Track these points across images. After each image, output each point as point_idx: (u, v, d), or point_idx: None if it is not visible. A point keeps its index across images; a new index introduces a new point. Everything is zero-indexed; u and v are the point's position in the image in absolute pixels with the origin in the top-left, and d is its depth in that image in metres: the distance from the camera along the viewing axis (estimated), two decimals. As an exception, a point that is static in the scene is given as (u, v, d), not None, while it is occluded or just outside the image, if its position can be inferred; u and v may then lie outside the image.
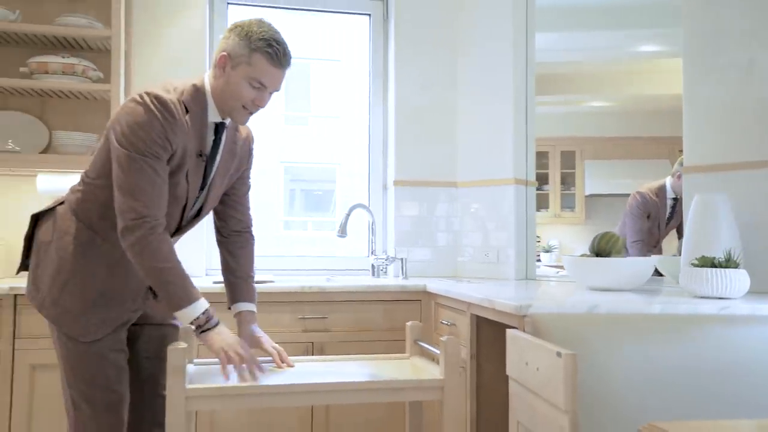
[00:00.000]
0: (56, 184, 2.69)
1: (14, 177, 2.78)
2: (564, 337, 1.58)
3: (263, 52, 1.59)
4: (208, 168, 1.71)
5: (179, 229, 1.75)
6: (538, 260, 6.55)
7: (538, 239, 6.87)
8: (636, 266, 2.10)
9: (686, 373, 1.59)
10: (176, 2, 2.93)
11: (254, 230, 1.95)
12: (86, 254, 1.64)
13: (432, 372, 1.72)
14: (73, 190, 1.72)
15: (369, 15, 3.33)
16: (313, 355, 2.47)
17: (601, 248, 2.21)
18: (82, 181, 1.70)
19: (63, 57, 2.58)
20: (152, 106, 1.55)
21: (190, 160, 1.64)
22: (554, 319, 1.62)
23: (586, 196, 6.70)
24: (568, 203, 6.82)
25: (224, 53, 1.61)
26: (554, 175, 6.78)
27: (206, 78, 1.67)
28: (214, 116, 1.67)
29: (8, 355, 2.28)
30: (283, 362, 1.76)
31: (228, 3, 3.12)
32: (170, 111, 1.56)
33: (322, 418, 2.49)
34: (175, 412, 1.51)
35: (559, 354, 1.34)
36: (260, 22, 1.63)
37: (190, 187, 1.67)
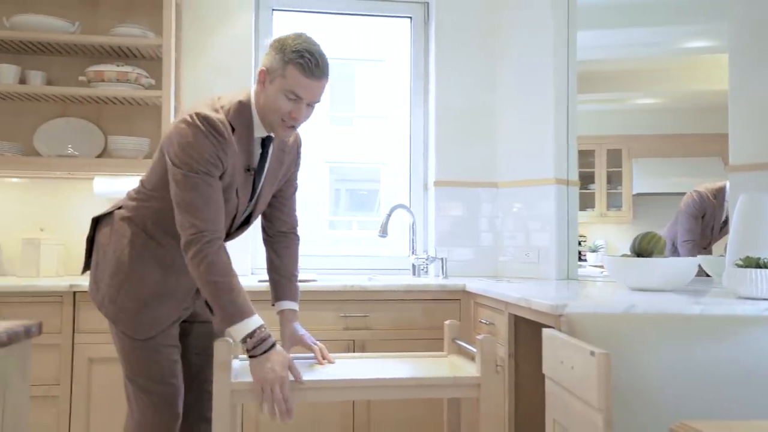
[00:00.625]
0: (111, 186, 2.83)
1: (73, 180, 2.93)
2: (600, 337, 1.59)
3: (295, 64, 1.59)
4: (256, 180, 1.76)
5: (228, 236, 1.81)
6: (584, 260, 6.46)
7: (584, 239, 6.78)
8: (678, 266, 2.08)
9: (726, 374, 1.57)
10: (223, 11, 3.03)
11: (299, 231, 2.00)
12: (141, 257, 1.72)
13: (469, 370, 1.75)
14: (130, 197, 1.81)
15: (410, 18, 3.37)
16: (354, 352, 2.52)
17: (643, 248, 2.19)
18: (140, 190, 1.78)
19: (118, 65, 2.71)
20: (202, 127, 1.59)
21: (239, 176, 1.69)
22: (590, 319, 1.63)
23: (634, 195, 6.57)
24: (614, 202, 6.70)
25: (263, 68, 1.65)
26: (600, 173, 6.67)
27: (252, 93, 1.70)
28: (259, 131, 1.71)
29: (68, 349, 2.41)
30: (324, 359, 1.82)
31: (273, 9, 3.21)
32: (219, 131, 1.61)
33: (363, 414, 2.54)
34: (220, 405, 1.58)
35: (592, 353, 1.35)
36: (297, 36, 1.64)
37: (240, 201, 1.73)
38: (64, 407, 2.40)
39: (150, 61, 2.91)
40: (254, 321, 1.59)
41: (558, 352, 1.57)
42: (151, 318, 1.72)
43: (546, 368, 1.66)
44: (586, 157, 6.67)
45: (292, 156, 1.88)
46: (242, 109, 1.67)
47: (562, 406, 1.56)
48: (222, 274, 1.58)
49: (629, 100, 6.37)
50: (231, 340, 1.62)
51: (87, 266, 1.84)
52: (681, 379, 1.56)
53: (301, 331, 1.87)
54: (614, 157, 6.67)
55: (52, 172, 2.78)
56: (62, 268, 2.83)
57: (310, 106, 1.68)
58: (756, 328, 1.63)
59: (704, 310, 1.66)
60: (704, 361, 1.58)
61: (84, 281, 2.45)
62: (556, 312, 1.68)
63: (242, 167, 1.69)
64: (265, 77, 1.65)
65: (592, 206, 6.67)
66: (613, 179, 6.73)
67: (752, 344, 1.60)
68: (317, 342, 1.85)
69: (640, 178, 6.49)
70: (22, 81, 2.73)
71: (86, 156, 2.84)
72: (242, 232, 1.87)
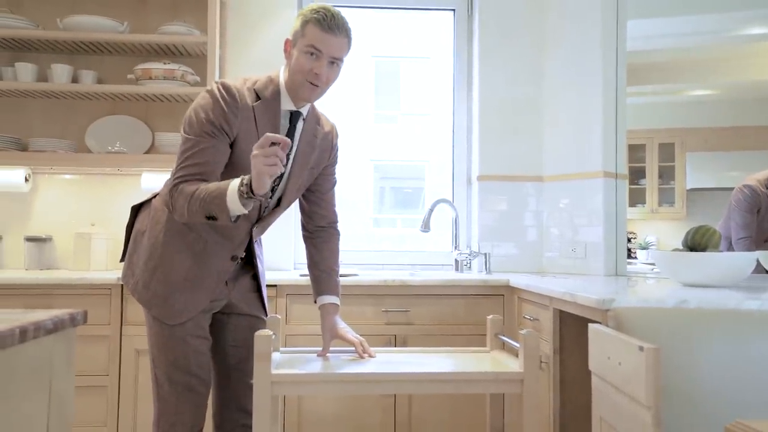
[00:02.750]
0: (158, 181, 2.89)
1: (121, 176, 3.01)
2: (649, 333, 1.52)
3: (313, 20, 1.66)
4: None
5: (260, 219, 1.82)
6: (634, 257, 6.27)
7: (633, 236, 6.58)
8: (734, 261, 1.98)
9: (787, 374, 1.49)
10: (266, 7, 3.06)
11: (340, 226, 2.00)
12: (174, 243, 1.75)
13: (511, 365, 1.71)
14: (166, 184, 1.84)
15: (453, 10, 3.33)
16: (395, 347, 2.50)
17: (696, 242, 2.10)
18: (171, 175, 1.82)
19: (165, 63, 2.76)
20: (216, 92, 1.67)
21: None
22: (639, 314, 1.56)
23: (688, 190, 6.33)
24: (666, 198, 6.47)
25: (287, 39, 1.72)
26: (651, 168, 6.46)
27: (281, 70, 1.76)
28: (287, 104, 1.74)
29: (116, 340, 2.48)
30: (365, 353, 1.81)
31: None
32: (232, 95, 1.67)
33: (404, 410, 2.52)
34: (261, 396, 1.59)
35: (641, 348, 1.30)
36: (317, 4, 1.72)
37: None
38: (112, 397, 2.46)
39: (195, 58, 2.96)
40: (235, 182, 1.55)
41: (605, 348, 1.52)
42: (182, 303, 1.73)
43: (592, 364, 1.60)
44: (636, 151, 6.47)
45: (326, 144, 1.88)
46: (270, 82, 1.74)
47: (609, 403, 1.50)
48: (192, 191, 1.59)
49: (682, 92, 6.14)
50: (273, 334, 1.63)
51: (125, 254, 1.87)
52: (736, 378, 1.48)
53: (342, 324, 1.86)
54: (666, 152, 6.45)
55: (102, 168, 2.85)
56: (111, 261, 2.91)
57: (333, 64, 1.70)
58: (820, 325, 1.54)
59: (762, 306, 1.58)
60: (762, 360, 1.49)
61: (132, 274, 2.50)
62: (602, 306, 1.63)
63: None
64: (289, 46, 1.72)
65: (643, 202, 6.46)
66: (666, 174, 6.50)
67: (815, 342, 1.51)
68: (358, 336, 1.84)
69: (694, 172, 6.26)
70: (75, 80, 2.81)
71: (134, 152, 2.90)
72: (275, 217, 1.86)
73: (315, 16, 1.66)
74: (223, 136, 1.66)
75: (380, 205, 14.03)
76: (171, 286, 1.73)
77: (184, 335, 1.73)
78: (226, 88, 1.68)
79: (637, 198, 6.50)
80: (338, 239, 1.99)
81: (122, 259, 1.87)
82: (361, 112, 12.69)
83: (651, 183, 6.46)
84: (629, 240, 6.47)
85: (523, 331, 1.65)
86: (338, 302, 1.90)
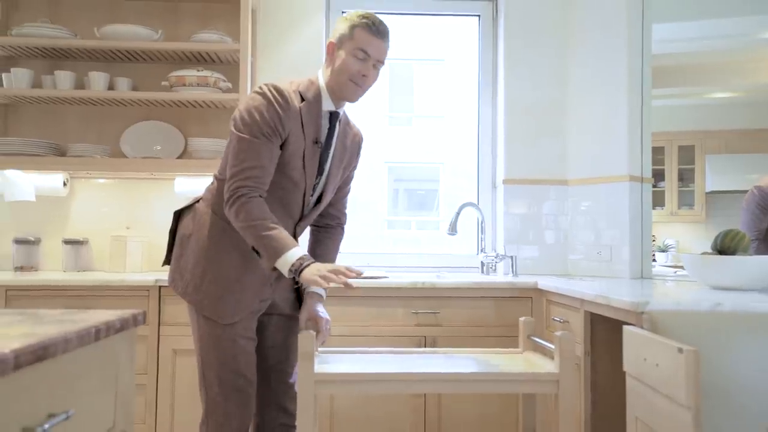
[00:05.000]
0: (191, 185, 2.97)
1: (155, 180, 3.09)
2: (684, 335, 1.56)
3: (362, 25, 1.76)
4: (323, 155, 1.84)
5: (303, 217, 1.88)
6: (654, 260, 6.28)
7: (653, 238, 6.58)
8: (764, 265, 2.01)
9: (821, 375, 1.52)
10: (295, 15, 3.12)
11: (348, 227, 2.08)
12: (221, 244, 1.81)
13: (547, 366, 1.75)
14: (208, 188, 1.91)
15: (478, 16, 3.37)
16: (425, 347, 2.55)
17: (726, 246, 2.13)
18: (215, 178, 1.89)
19: (198, 70, 2.84)
20: (269, 94, 1.74)
21: (308, 147, 1.79)
22: (674, 317, 1.60)
23: (707, 193, 6.33)
24: (686, 200, 6.47)
25: (331, 41, 1.80)
26: (671, 171, 6.46)
27: (319, 73, 1.84)
28: (328, 105, 1.82)
29: (154, 341, 2.55)
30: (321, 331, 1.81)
31: (342, 12, 3.28)
32: (285, 97, 1.75)
33: (434, 411, 2.57)
34: (305, 394, 1.64)
35: (680, 350, 1.34)
36: (359, 9, 1.82)
37: (307, 172, 1.80)
38: (150, 395, 2.53)
39: (227, 65, 3.03)
40: (297, 251, 1.66)
41: (640, 350, 1.55)
42: (234, 303, 1.79)
43: (627, 366, 1.64)
44: (656, 154, 6.44)
45: (354, 147, 1.97)
46: (311, 84, 1.82)
47: (646, 404, 1.54)
48: (259, 218, 1.68)
49: (701, 94, 6.14)
50: (314, 332, 1.68)
51: (168, 259, 1.92)
52: (772, 380, 1.52)
53: (320, 308, 1.87)
54: (686, 154, 6.44)
55: (137, 172, 2.93)
56: (146, 263, 2.98)
57: (376, 67, 1.80)
58: None
59: (796, 309, 1.61)
60: (797, 362, 1.53)
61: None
62: (637, 309, 1.66)
63: (311, 138, 1.79)
64: (333, 48, 1.80)
65: (662, 205, 6.46)
66: (685, 177, 6.50)
67: None
68: (327, 316, 1.85)
69: (714, 175, 6.25)
70: (111, 87, 2.89)
71: (168, 157, 2.98)
72: (315, 213, 1.93)
73: (364, 21, 1.76)
74: (277, 138, 1.73)
75: (394, 207, 14.07)
76: (223, 287, 1.79)
77: (234, 336, 1.79)
78: (278, 90, 1.75)
79: (656, 200, 6.49)
80: (341, 238, 2.06)
81: (165, 263, 1.93)
82: (375, 115, 12.75)
83: (670, 185, 6.46)
84: (648, 242, 6.47)
85: (558, 333, 1.69)
86: (324, 295, 1.91)
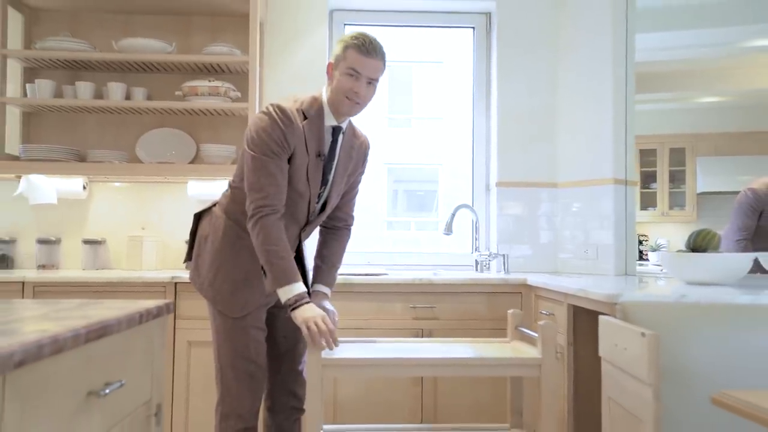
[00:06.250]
0: (203, 189, 3.16)
1: (168, 184, 3.28)
2: (653, 324, 1.75)
3: (353, 45, 1.91)
4: (327, 167, 2.02)
5: (308, 222, 2.07)
6: (646, 259, 6.46)
7: (645, 238, 6.77)
8: (732, 261, 2.19)
9: (772, 359, 1.71)
10: (300, 27, 3.31)
11: (354, 228, 2.24)
12: (234, 245, 2.01)
13: (530, 352, 1.95)
14: (224, 194, 2.10)
15: (473, 28, 3.57)
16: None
17: (697, 244, 2.31)
18: (229, 185, 2.08)
19: (209, 81, 3.03)
20: (274, 114, 1.92)
21: (311, 161, 1.97)
22: (643, 307, 1.79)
23: (698, 194, 6.52)
24: (677, 201, 6.66)
25: (330, 62, 1.99)
26: (663, 172, 6.65)
27: (323, 90, 2.02)
28: (330, 120, 2.00)
29: (170, 333, 2.73)
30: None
31: (345, 24, 3.48)
32: (288, 117, 1.93)
33: (431, 398, 2.76)
34: (314, 377, 1.83)
35: (643, 334, 1.53)
36: (356, 31, 1.98)
37: (311, 183, 1.99)
38: (167, 386, 2.72)
39: (236, 75, 3.22)
40: (297, 287, 1.86)
41: (613, 337, 1.75)
42: (244, 299, 1.99)
43: (602, 351, 1.83)
44: (648, 156, 6.66)
45: (360, 154, 2.14)
46: (314, 101, 2.00)
47: (617, 385, 1.73)
48: (275, 243, 1.87)
49: (692, 99, 6.34)
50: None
51: (189, 256, 2.12)
52: (728, 362, 1.70)
53: (327, 305, 2.03)
54: (677, 156, 6.64)
55: (152, 176, 3.12)
56: (161, 262, 3.18)
57: (371, 84, 1.96)
58: (802, 317, 1.75)
59: (753, 300, 1.79)
60: (750, 346, 1.71)
61: (183, 273, 2.77)
62: (611, 301, 1.85)
63: (314, 152, 1.97)
64: (331, 68, 1.98)
65: (654, 205, 6.66)
66: (677, 178, 6.69)
67: (797, 331, 1.73)
68: (335, 311, 2.01)
69: (705, 176, 6.44)
70: (128, 97, 3.08)
71: (181, 162, 3.17)
72: (321, 219, 2.11)
73: (354, 42, 1.93)
74: (284, 153, 1.92)
75: (393, 208, 14.25)
76: (234, 284, 1.98)
77: (246, 326, 1.98)
78: (282, 110, 1.93)
79: (648, 201, 6.70)
80: (348, 239, 2.23)
81: (186, 260, 2.13)
82: (375, 116, 12.92)
83: (662, 187, 6.65)
84: (641, 242, 6.66)
85: (541, 323, 1.88)
86: (329, 293, 2.11)
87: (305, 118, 1.96)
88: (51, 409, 0.94)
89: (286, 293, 1.86)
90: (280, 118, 1.92)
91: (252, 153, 1.92)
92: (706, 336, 1.73)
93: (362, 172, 2.20)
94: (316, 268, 2.16)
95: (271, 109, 1.94)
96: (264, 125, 1.92)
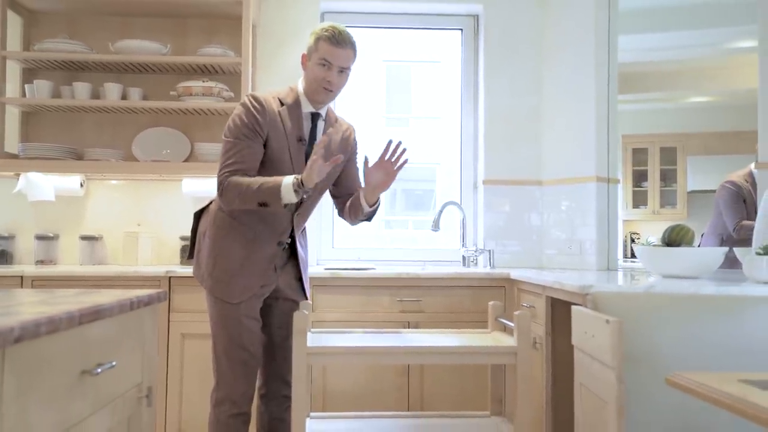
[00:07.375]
0: (197, 186, 3.24)
1: (163, 182, 3.36)
2: (621, 313, 1.83)
3: (324, 37, 2.04)
4: (309, 151, 2.13)
5: (299, 207, 2.16)
6: (635, 256, 6.56)
7: (637, 236, 6.87)
8: (703, 255, 2.28)
9: (733, 349, 1.80)
10: (291, 29, 3.40)
11: (347, 226, 2.35)
12: (228, 237, 2.12)
13: (508, 341, 2.04)
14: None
15: (461, 30, 3.65)
16: (409, 332, 2.83)
17: (672, 239, 2.40)
18: (218, 172, 2.17)
19: (203, 81, 3.11)
20: (247, 102, 2.06)
21: (292, 145, 2.10)
22: (613, 297, 1.88)
23: (689, 192, 6.62)
24: (669, 200, 6.75)
25: (303, 53, 2.12)
26: (653, 171, 6.75)
27: (299, 81, 2.17)
28: (307, 107, 2.14)
29: (164, 326, 2.82)
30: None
31: (335, 26, 3.56)
32: (260, 102, 2.07)
33: (417, 387, 2.85)
34: (299, 365, 1.92)
35: (608, 321, 1.62)
36: (326, 23, 2.10)
37: (295, 166, 2.09)
38: (161, 376, 2.80)
39: (229, 75, 3.31)
40: (288, 178, 1.97)
41: (583, 325, 1.84)
42: (242, 285, 2.10)
43: (575, 339, 1.92)
44: (639, 155, 6.76)
45: (345, 141, 2.24)
46: (290, 91, 2.15)
47: (587, 370, 1.82)
48: (245, 182, 1.99)
49: (683, 98, 6.44)
50: (307, 312, 1.96)
51: (191, 254, 2.23)
52: (689, 349, 1.79)
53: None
54: (668, 155, 6.73)
55: (148, 174, 3.20)
56: (156, 257, 3.26)
57: (342, 72, 2.08)
58: (765, 307, 1.84)
59: (717, 291, 1.88)
60: (712, 334, 1.81)
61: (178, 268, 2.86)
62: (583, 291, 1.94)
63: (294, 137, 2.10)
64: (305, 59, 2.11)
65: (645, 204, 6.75)
66: (668, 177, 6.79)
67: (761, 323, 1.82)
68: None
69: (695, 175, 6.54)
70: (124, 97, 3.17)
71: (175, 160, 3.25)
72: (312, 205, 2.21)
73: (325, 33, 2.06)
74: (257, 136, 2.04)
75: (392, 207, 14.33)
76: (230, 272, 2.09)
77: (240, 315, 2.08)
78: (255, 97, 2.08)
79: (639, 200, 6.79)
80: None
81: (189, 257, 2.24)
82: (373, 116, 13.01)
83: (653, 185, 6.75)
84: (633, 240, 6.76)
85: (517, 312, 1.97)
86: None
87: (282, 104, 2.10)
88: (47, 384, 1.03)
89: (288, 191, 1.96)
90: (252, 104, 2.05)
91: (225, 139, 2.06)
92: (670, 323, 1.82)
93: (356, 153, 2.31)
94: (352, 203, 2.23)
95: (245, 98, 2.09)
96: (238, 113, 2.07)
